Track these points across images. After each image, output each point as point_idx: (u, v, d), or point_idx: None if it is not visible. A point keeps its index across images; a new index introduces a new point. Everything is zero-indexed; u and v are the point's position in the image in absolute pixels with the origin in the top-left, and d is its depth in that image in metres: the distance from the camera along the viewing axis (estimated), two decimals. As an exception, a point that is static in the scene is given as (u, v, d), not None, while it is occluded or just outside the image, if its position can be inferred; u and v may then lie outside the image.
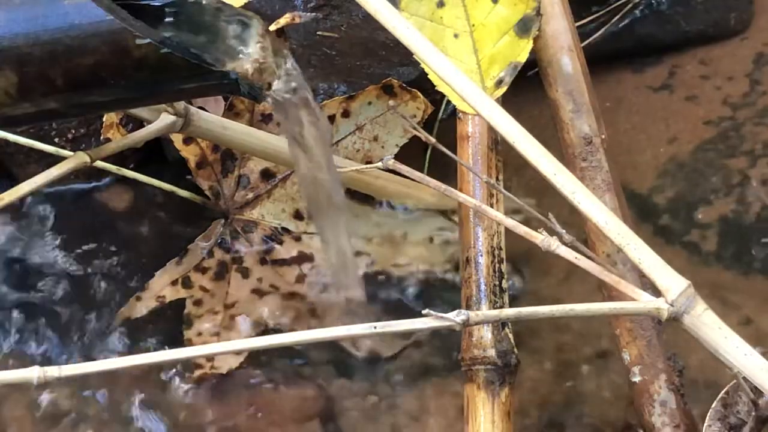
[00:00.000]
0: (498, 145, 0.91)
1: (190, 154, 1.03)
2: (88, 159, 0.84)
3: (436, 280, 1.02)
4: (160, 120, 0.91)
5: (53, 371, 0.66)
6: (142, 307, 1.01)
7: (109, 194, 1.09)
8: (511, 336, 0.86)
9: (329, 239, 0.87)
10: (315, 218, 0.89)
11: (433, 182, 0.76)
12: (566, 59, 0.90)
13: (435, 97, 0.98)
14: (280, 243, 1.03)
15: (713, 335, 0.66)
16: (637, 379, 0.85)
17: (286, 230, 1.03)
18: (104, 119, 0.99)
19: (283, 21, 0.81)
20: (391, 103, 1.01)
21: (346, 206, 0.84)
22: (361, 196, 1.03)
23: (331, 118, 1.01)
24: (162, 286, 1.02)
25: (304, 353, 0.99)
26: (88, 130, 1.06)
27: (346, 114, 1.02)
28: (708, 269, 1.01)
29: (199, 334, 1.00)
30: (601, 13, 1.12)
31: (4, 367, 0.98)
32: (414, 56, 0.72)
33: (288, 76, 0.74)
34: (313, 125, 0.78)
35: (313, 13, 1.03)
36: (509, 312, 0.68)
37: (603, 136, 0.89)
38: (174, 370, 0.99)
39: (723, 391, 0.77)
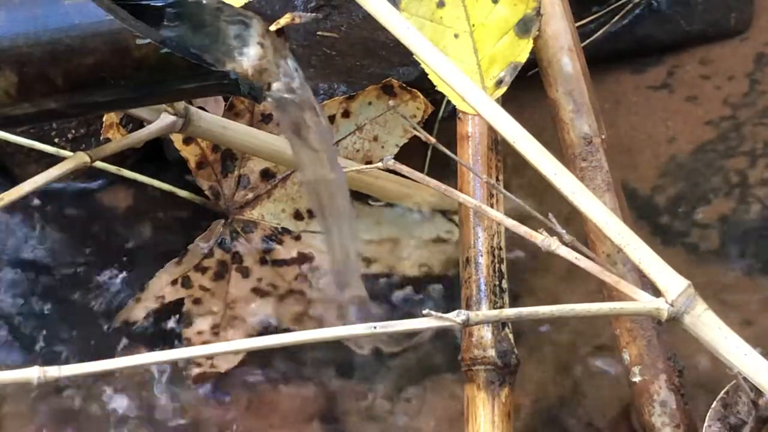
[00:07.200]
0: (498, 145, 0.91)
1: (190, 154, 1.03)
2: (88, 159, 0.84)
3: (436, 280, 1.02)
4: (160, 120, 0.91)
5: (53, 371, 0.66)
6: (141, 307, 1.01)
7: (109, 194, 1.09)
8: (511, 336, 0.87)
9: (333, 238, 0.87)
10: (319, 218, 0.89)
11: (433, 182, 0.76)
12: (566, 59, 0.90)
13: (435, 97, 0.98)
14: (280, 243, 1.03)
15: (713, 335, 0.66)
16: (637, 379, 0.85)
17: (286, 230, 1.03)
18: (104, 119, 0.99)
19: (283, 21, 0.81)
20: (391, 103, 1.01)
21: (351, 205, 0.84)
22: (361, 196, 1.03)
23: (331, 118, 1.01)
24: (162, 286, 1.02)
25: (304, 353, 0.99)
26: (88, 130, 1.06)
27: (346, 114, 1.02)
28: (708, 269, 1.01)
29: (199, 333, 1.00)
30: (601, 13, 1.12)
31: (4, 366, 0.99)
32: (414, 56, 0.72)
33: (288, 76, 0.74)
34: (314, 125, 0.78)
35: (313, 13, 1.03)
36: (509, 312, 0.68)
37: (603, 136, 0.89)
38: (174, 370, 0.99)
39: (723, 391, 0.77)
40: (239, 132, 0.97)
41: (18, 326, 1.02)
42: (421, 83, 0.97)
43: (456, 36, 0.86)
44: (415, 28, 0.71)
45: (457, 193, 0.76)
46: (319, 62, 1.04)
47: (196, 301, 1.01)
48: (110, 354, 1.00)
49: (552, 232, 0.69)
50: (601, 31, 1.12)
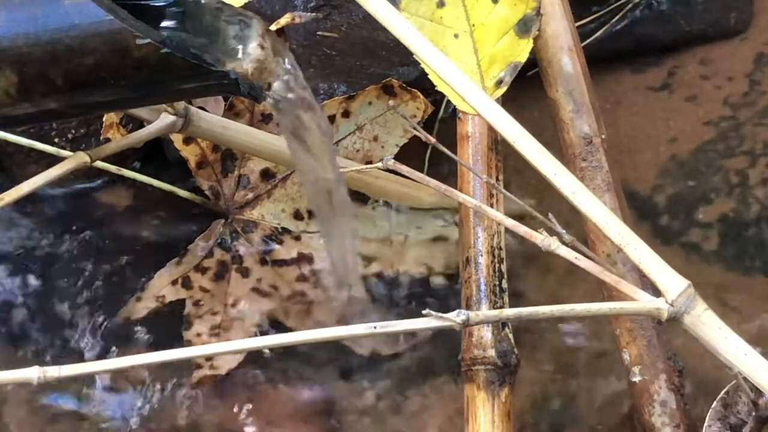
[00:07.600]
0: (498, 145, 0.91)
1: (190, 154, 1.03)
2: (88, 159, 0.84)
3: (436, 280, 1.02)
4: (160, 120, 0.91)
5: (53, 371, 0.66)
6: (142, 307, 1.01)
7: (109, 194, 1.09)
8: (511, 336, 0.86)
9: (332, 239, 0.87)
10: (318, 218, 0.89)
11: (433, 182, 0.76)
12: (566, 59, 0.90)
13: (435, 97, 0.98)
14: (280, 243, 1.03)
15: (713, 335, 0.66)
16: (637, 379, 0.85)
17: (286, 230, 1.03)
18: (104, 119, 0.99)
19: (283, 21, 0.81)
20: (391, 103, 1.01)
21: (350, 205, 0.84)
22: (360, 196, 1.03)
23: (331, 118, 1.01)
24: (162, 286, 1.02)
25: (304, 353, 0.99)
26: (88, 130, 1.06)
27: (346, 114, 1.02)
28: (708, 269, 1.01)
29: (199, 334, 1.00)
30: (601, 13, 1.12)
31: (4, 366, 0.98)
32: (414, 56, 0.72)
33: (288, 76, 0.74)
34: (314, 125, 0.78)
35: (313, 13, 1.03)
36: (509, 312, 0.68)
37: (603, 136, 0.89)
38: (174, 370, 0.99)
39: (723, 391, 0.77)
40: (239, 132, 0.97)
41: (18, 325, 1.02)
42: (421, 83, 0.97)
43: (456, 36, 0.86)
44: (415, 28, 0.71)
45: (457, 193, 0.76)
46: (319, 62, 1.04)
47: (197, 303, 1.01)
48: (110, 354, 1.00)
49: (552, 232, 0.69)
50: (601, 31, 1.12)
